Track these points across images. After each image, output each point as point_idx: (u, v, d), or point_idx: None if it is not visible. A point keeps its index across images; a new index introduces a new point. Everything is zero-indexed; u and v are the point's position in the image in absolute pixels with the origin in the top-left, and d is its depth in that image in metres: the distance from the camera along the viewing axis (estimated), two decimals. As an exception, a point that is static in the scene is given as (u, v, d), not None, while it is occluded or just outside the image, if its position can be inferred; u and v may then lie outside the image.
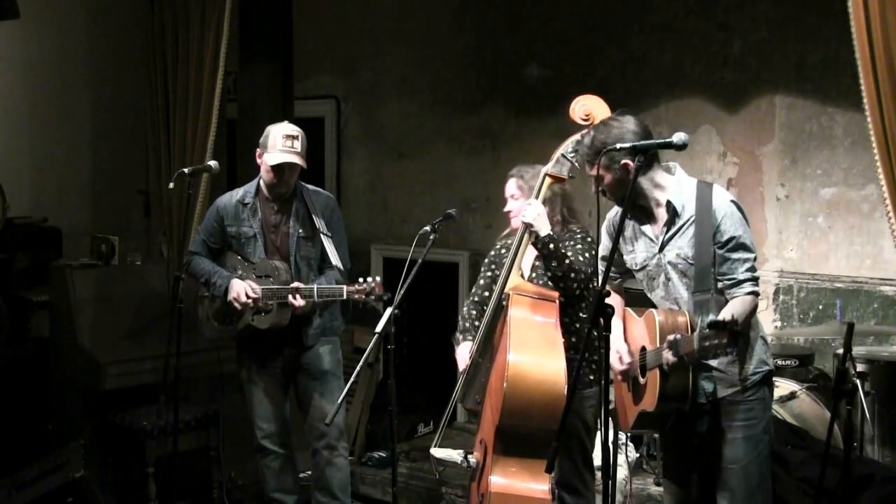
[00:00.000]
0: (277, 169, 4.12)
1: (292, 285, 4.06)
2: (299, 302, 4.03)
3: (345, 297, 3.97)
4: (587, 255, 3.67)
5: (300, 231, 4.22)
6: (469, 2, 6.31)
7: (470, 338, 3.86)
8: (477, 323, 3.88)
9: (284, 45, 5.68)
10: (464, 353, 3.83)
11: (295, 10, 5.75)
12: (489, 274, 3.98)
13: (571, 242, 3.71)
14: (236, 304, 4.16)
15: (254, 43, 5.63)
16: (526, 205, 3.60)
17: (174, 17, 5.66)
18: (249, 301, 4.12)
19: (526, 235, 3.59)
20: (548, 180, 3.62)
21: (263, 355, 4.30)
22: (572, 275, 3.58)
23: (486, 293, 3.94)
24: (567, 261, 3.58)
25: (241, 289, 4.14)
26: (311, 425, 4.33)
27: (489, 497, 3.42)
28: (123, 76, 6.63)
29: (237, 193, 4.34)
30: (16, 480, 4.35)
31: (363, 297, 3.95)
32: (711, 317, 2.94)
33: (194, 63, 5.53)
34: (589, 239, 3.74)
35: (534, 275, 3.75)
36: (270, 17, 5.61)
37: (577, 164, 3.57)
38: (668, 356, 2.93)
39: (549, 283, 3.67)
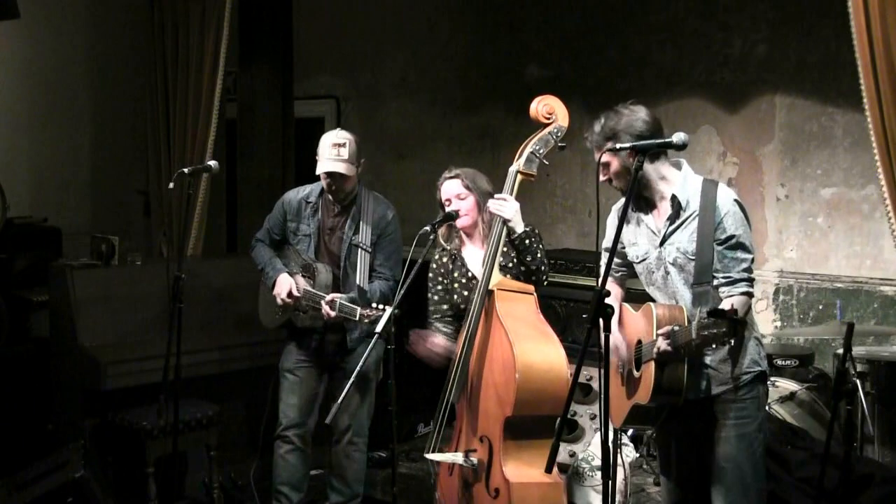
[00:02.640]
0: (326, 176, 4.20)
1: (328, 297, 4.08)
2: (327, 311, 4.06)
3: (357, 318, 3.97)
4: (542, 248, 3.84)
5: (353, 239, 4.27)
6: (469, 2, 6.32)
7: (446, 329, 3.93)
8: (447, 329, 3.93)
9: (284, 45, 5.69)
10: (437, 339, 3.88)
11: (295, 10, 5.75)
12: (440, 287, 4.00)
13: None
14: (277, 300, 4.24)
15: (254, 43, 5.64)
16: (501, 201, 3.68)
17: (174, 18, 5.66)
18: (289, 299, 4.20)
19: (504, 232, 3.69)
20: (520, 177, 3.71)
21: (305, 349, 4.36)
22: (542, 268, 3.78)
23: (444, 306, 3.98)
24: (539, 255, 3.76)
25: (286, 286, 4.22)
26: (336, 418, 4.35)
27: (511, 488, 3.45)
28: (123, 76, 6.64)
29: (304, 190, 4.41)
30: (16, 480, 4.35)
31: (368, 322, 3.94)
32: (711, 306, 2.94)
33: (194, 63, 5.54)
34: (538, 232, 3.85)
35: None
36: (270, 17, 5.62)
37: (545, 161, 3.71)
38: (663, 345, 2.93)
39: (508, 275, 3.78)
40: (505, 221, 3.67)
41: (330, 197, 4.30)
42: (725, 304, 3.01)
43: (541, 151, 3.70)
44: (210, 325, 5.08)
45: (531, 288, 3.72)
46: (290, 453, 4.40)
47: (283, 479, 4.42)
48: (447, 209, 3.93)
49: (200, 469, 4.85)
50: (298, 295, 4.20)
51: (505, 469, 3.49)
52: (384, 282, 4.25)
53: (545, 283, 3.85)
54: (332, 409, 3.78)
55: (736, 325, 2.76)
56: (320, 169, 4.18)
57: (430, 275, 4.04)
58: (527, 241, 3.72)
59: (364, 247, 4.24)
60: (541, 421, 3.50)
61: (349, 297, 4.13)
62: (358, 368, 3.65)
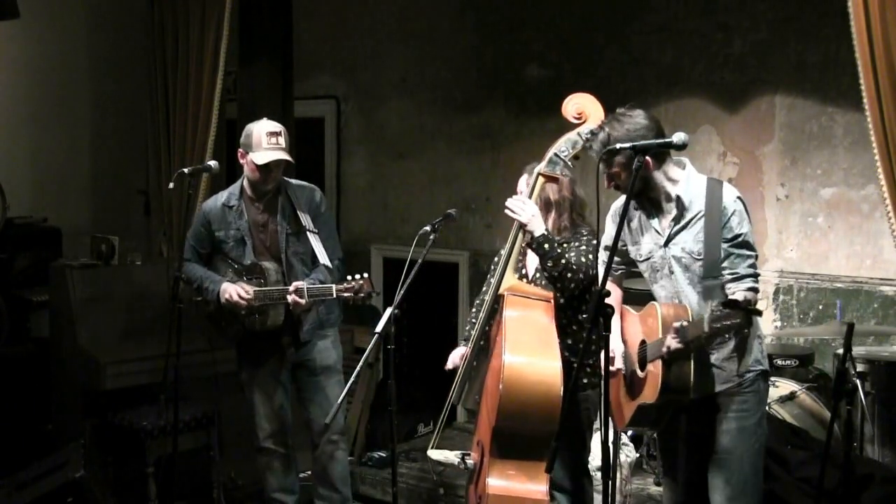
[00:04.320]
0: (265, 168, 4.11)
1: (293, 285, 4.04)
2: (296, 300, 4.02)
3: (334, 296, 3.98)
4: (590, 256, 3.62)
5: (288, 228, 4.21)
6: (469, 2, 6.31)
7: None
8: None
9: (284, 45, 5.68)
10: (455, 356, 3.86)
11: (295, 10, 5.75)
12: None
13: (576, 244, 3.67)
14: (229, 306, 4.16)
15: (254, 43, 5.63)
16: (518, 204, 3.56)
17: (174, 17, 5.66)
18: (242, 302, 4.12)
19: (520, 236, 3.57)
20: (541, 180, 3.59)
21: (262, 355, 4.31)
22: (569, 275, 3.54)
23: None
24: (563, 260, 3.53)
25: (233, 290, 4.14)
26: (312, 421, 4.34)
27: (486, 499, 3.41)
28: (123, 76, 6.63)
29: (222, 197, 4.32)
30: (16, 480, 4.35)
31: (352, 295, 3.94)
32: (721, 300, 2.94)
33: (194, 63, 5.53)
34: (594, 241, 3.67)
35: (538, 275, 3.74)
36: (270, 17, 5.61)
37: (570, 163, 3.56)
38: (673, 342, 2.93)
39: (534, 280, 3.69)
40: (522, 225, 3.55)
41: (251, 194, 4.22)
42: (738, 295, 3.01)
43: (565, 153, 3.53)
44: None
45: (549, 294, 3.56)
46: (276, 461, 4.39)
47: (274, 486, 4.41)
48: None
49: (200, 469, 4.86)
50: (249, 297, 4.11)
51: (488, 478, 3.43)
52: (323, 269, 4.17)
53: (575, 291, 3.59)
54: (331, 410, 3.79)
55: (751, 315, 2.77)
56: (261, 160, 4.07)
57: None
58: (545, 246, 3.53)
59: (311, 229, 4.16)
60: (532, 436, 3.37)
61: (310, 280, 4.10)
62: (358, 368, 3.64)
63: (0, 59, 6.24)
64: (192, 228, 4.41)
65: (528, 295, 3.56)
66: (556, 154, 3.54)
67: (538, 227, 3.53)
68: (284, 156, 4.12)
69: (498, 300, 3.58)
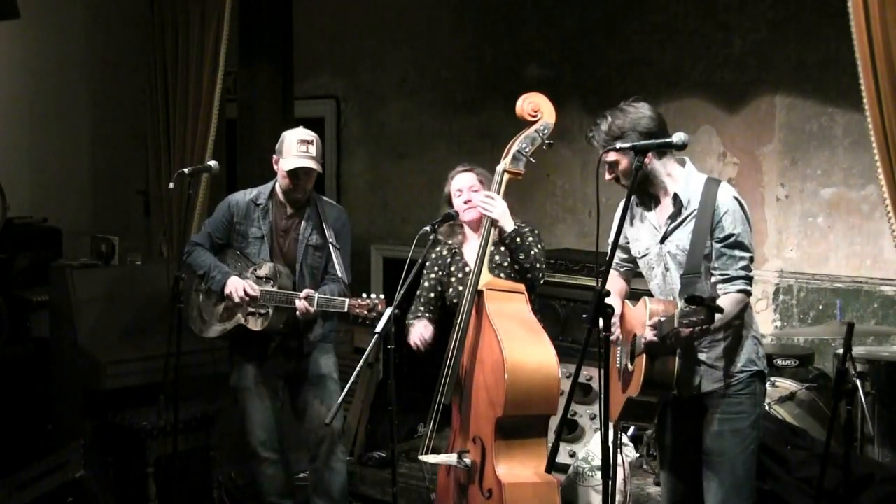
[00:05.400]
0: (293, 174, 4.11)
1: (304, 292, 4.02)
2: (305, 306, 3.99)
3: (345, 310, 3.94)
4: (539, 247, 3.83)
5: (310, 239, 4.21)
6: (469, 2, 6.32)
7: (427, 316, 3.97)
8: (422, 309, 3.99)
9: (284, 45, 5.68)
10: (419, 332, 3.93)
11: (295, 10, 5.75)
12: (433, 276, 4.04)
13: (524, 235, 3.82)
14: (232, 299, 4.13)
15: (254, 43, 5.63)
16: (488, 200, 3.68)
17: (174, 18, 5.66)
18: (246, 298, 4.10)
19: (492, 232, 3.70)
20: (506, 177, 3.71)
21: (257, 359, 4.28)
22: (537, 265, 3.76)
23: (432, 294, 4.03)
24: (532, 252, 3.74)
25: (239, 285, 4.11)
26: (309, 430, 4.30)
27: (503, 489, 3.45)
28: (123, 76, 6.64)
29: (251, 193, 4.32)
30: (16, 480, 4.35)
31: (364, 312, 3.90)
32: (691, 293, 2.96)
33: (194, 63, 5.54)
34: (537, 231, 3.88)
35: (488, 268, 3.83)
36: (270, 17, 5.62)
37: (532, 159, 3.71)
38: (649, 334, 2.96)
39: (502, 275, 3.79)
40: (493, 221, 3.68)
41: (282, 198, 4.23)
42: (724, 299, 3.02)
43: (527, 150, 3.70)
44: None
45: (522, 287, 3.71)
46: (269, 467, 4.36)
47: (269, 491, 4.39)
48: (457, 199, 3.94)
49: (200, 469, 4.86)
50: (255, 294, 4.09)
51: (497, 469, 3.49)
52: (338, 284, 4.17)
53: (542, 281, 3.83)
54: (327, 417, 3.79)
55: (713, 312, 2.77)
56: (289, 165, 4.08)
57: (427, 264, 4.05)
58: (518, 240, 3.71)
59: (334, 244, 4.17)
60: (531, 421, 3.52)
61: (322, 292, 4.09)
62: (358, 368, 3.63)
63: (0, 59, 6.24)
64: (214, 216, 4.39)
65: (506, 289, 3.69)
66: (518, 151, 3.71)
67: (509, 222, 3.70)
68: (312, 164, 4.10)
69: (475, 296, 3.66)
